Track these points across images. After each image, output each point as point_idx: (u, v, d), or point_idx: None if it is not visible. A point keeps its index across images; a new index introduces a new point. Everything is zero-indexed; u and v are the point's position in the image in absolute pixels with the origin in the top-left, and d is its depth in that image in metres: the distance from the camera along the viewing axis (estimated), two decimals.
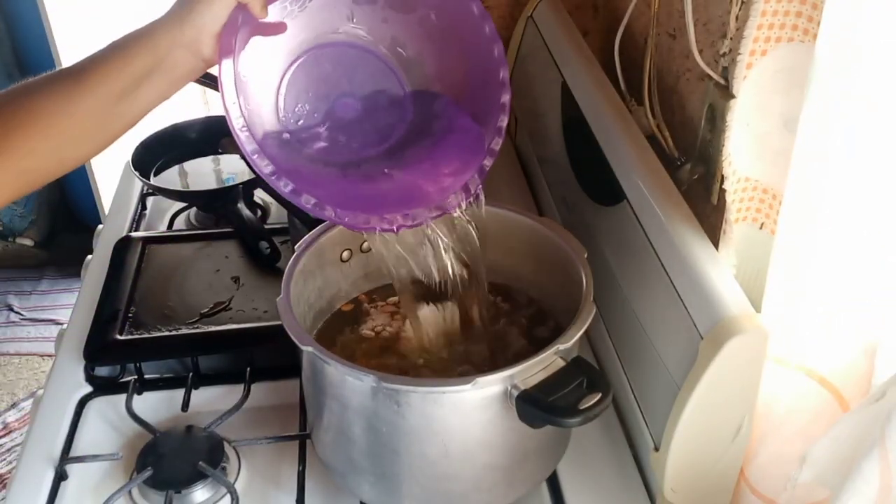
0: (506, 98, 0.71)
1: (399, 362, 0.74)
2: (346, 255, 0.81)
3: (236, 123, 0.63)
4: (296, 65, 0.72)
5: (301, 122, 0.72)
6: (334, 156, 0.72)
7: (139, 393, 0.87)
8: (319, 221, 0.79)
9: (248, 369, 0.87)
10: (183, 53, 0.60)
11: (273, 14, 0.67)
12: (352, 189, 0.71)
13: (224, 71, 0.63)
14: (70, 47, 2.00)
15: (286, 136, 0.71)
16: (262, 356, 0.89)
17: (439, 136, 0.73)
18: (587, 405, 0.61)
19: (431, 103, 0.74)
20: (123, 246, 1.05)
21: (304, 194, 0.65)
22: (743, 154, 0.67)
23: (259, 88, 0.70)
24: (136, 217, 1.16)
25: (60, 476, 0.79)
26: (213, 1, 0.60)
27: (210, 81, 0.73)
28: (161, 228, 1.15)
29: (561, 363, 0.64)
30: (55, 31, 1.98)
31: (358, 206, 0.68)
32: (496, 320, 0.78)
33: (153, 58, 0.59)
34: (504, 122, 0.71)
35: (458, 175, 0.70)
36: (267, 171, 0.64)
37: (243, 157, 0.64)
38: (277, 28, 0.68)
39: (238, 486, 0.76)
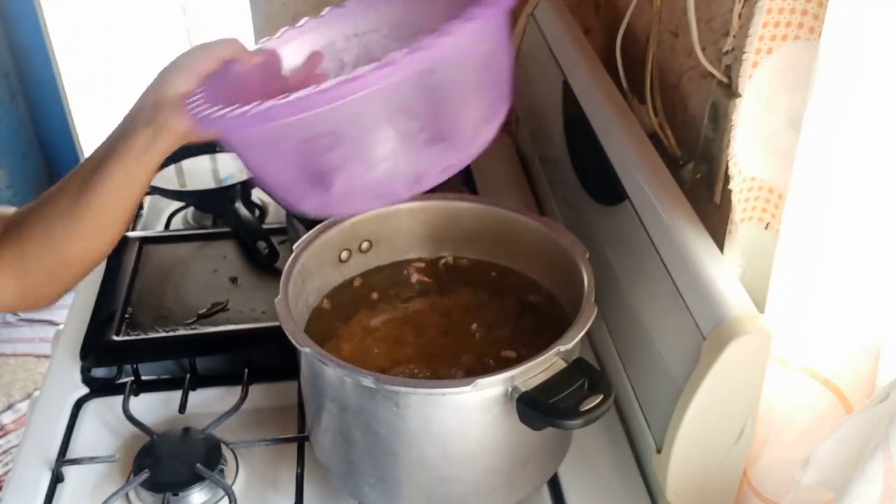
0: None
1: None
2: (344, 255, 0.80)
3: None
4: None
5: None
6: None
7: (136, 394, 0.87)
8: (318, 221, 0.78)
9: (246, 370, 0.87)
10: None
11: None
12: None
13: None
14: (66, 47, 2.00)
15: None
16: (261, 357, 0.89)
17: None
18: (588, 407, 0.60)
19: None
20: (120, 246, 1.04)
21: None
22: (749, 154, 0.67)
23: None
24: (133, 216, 1.16)
25: (57, 478, 0.78)
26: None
27: None
28: (158, 228, 1.15)
29: (562, 364, 0.63)
30: (52, 31, 1.98)
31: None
32: (496, 320, 0.77)
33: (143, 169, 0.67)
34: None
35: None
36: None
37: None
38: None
39: (236, 489, 0.76)
